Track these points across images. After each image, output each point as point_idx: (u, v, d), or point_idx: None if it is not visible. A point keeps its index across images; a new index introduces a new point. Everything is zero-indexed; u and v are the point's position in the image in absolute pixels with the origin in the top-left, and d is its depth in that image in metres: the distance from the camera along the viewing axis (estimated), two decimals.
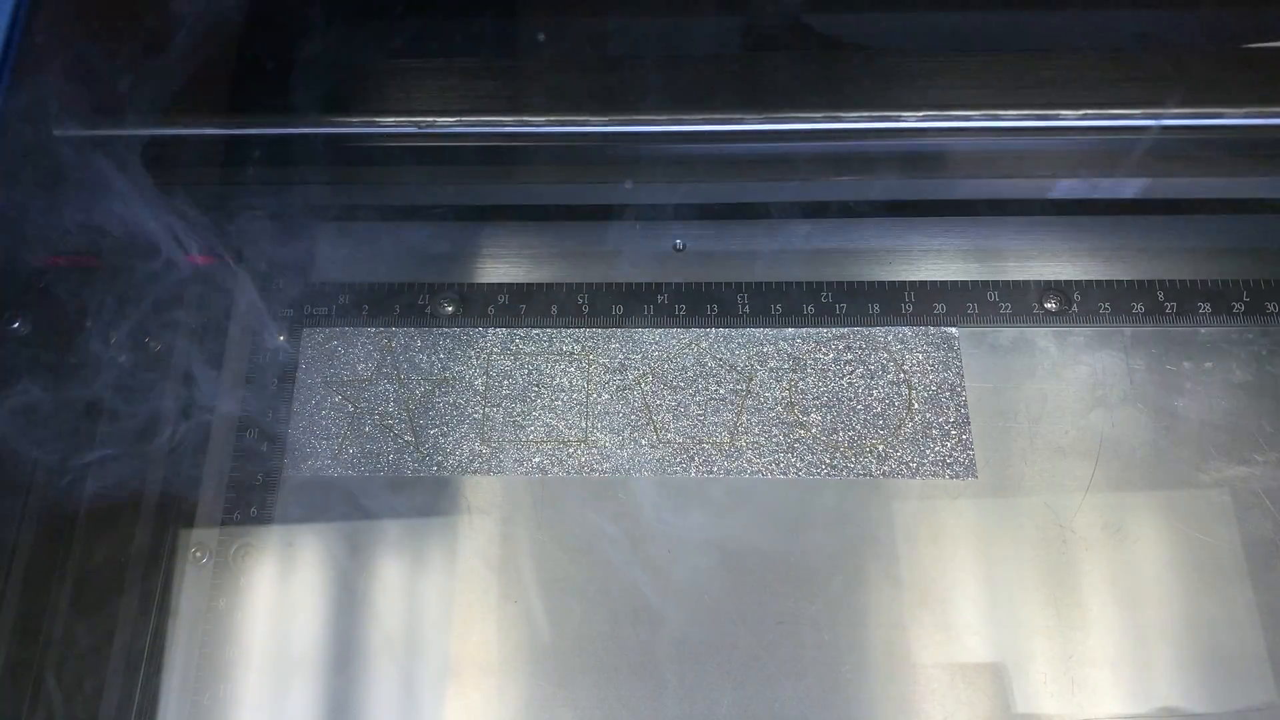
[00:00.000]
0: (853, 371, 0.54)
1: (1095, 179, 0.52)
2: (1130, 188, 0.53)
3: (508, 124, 0.50)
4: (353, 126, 0.52)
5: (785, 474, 0.52)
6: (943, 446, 0.52)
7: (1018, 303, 0.55)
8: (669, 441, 0.53)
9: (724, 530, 0.51)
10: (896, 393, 0.53)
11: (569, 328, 0.56)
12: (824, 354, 0.55)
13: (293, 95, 0.51)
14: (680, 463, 0.52)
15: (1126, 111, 0.49)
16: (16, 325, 0.48)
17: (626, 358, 0.55)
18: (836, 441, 0.52)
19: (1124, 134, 0.50)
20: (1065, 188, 0.52)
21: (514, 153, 0.52)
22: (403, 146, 0.52)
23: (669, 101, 0.49)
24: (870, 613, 0.49)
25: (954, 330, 0.55)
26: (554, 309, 0.56)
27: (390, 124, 0.52)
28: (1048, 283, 0.55)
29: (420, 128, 0.51)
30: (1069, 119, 0.48)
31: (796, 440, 0.53)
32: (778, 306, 0.55)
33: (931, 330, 0.55)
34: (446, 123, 0.50)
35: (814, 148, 0.52)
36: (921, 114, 0.49)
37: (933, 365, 0.54)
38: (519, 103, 0.49)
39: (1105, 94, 0.50)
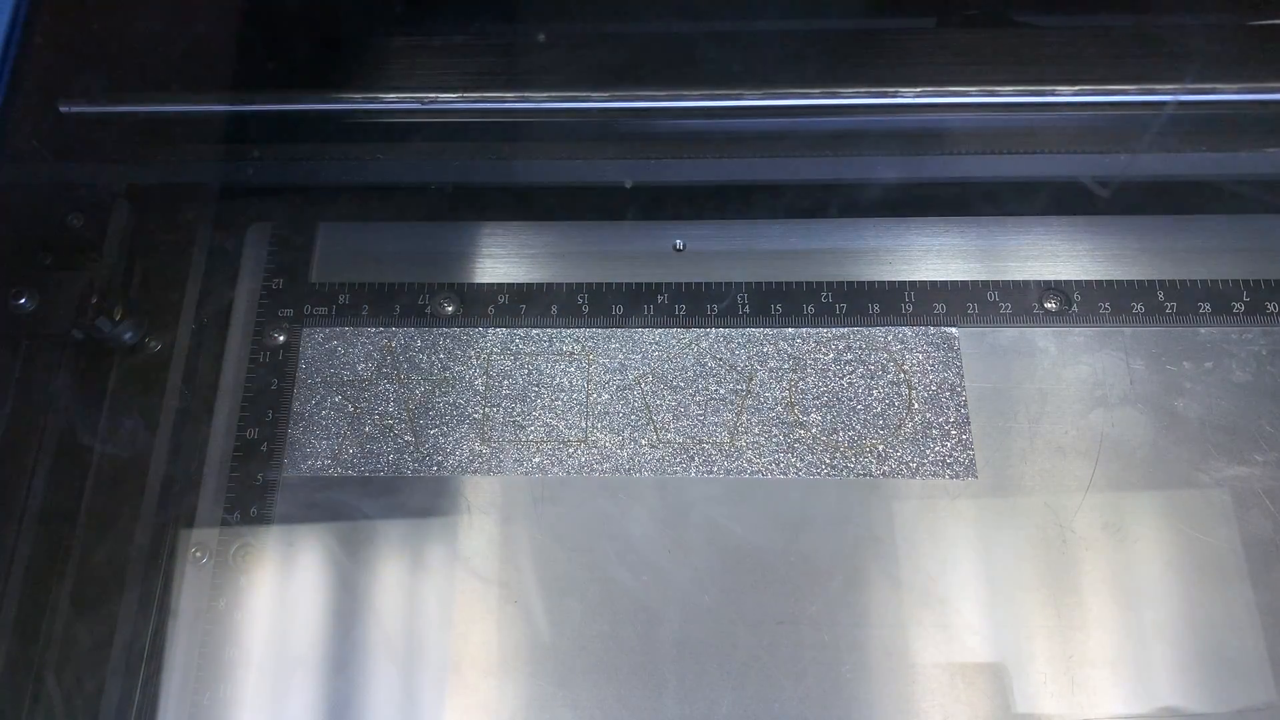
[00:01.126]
0: (853, 371, 0.54)
1: (1095, 155, 0.52)
2: (1130, 165, 0.53)
3: (509, 100, 0.49)
4: (354, 103, 0.52)
5: (785, 474, 0.52)
6: (943, 446, 0.52)
7: (1018, 303, 0.55)
8: (669, 441, 0.53)
9: (724, 530, 0.51)
10: (896, 393, 0.53)
11: (569, 328, 0.56)
12: (824, 354, 0.55)
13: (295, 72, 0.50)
14: (680, 463, 0.52)
15: (1125, 88, 0.49)
16: (24, 301, 0.47)
17: (626, 358, 0.55)
18: (836, 441, 0.52)
19: (1124, 110, 0.50)
20: (1063, 163, 0.52)
21: (515, 130, 0.52)
22: (405, 124, 0.52)
23: (671, 78, 0.49)
24: (870, 613, 0.49)
25: (954, 330, 0.55)
26: (554, 309, 0.56)
27: (393, 100, 0.51)
28: (1048, 283, 0.55)
29: (424, 104, 0.50)
30: (1065, 95, 0.48)
31: (796, 440, 0.53)
32: (778, 306, 0.55)
33: (931, 330, 0.55)
34: (449, 99, 0.49)
35: (812, 125, 0.51)
36: (918, 90, 0.48)
37: (933, 365, 0.54)
38: (521, 79, 0.49)
39: (1104, 70, 0.49)
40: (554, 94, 0.45)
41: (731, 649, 0.49)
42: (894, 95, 0.45)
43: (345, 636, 0.49)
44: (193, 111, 0.46)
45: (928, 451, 0.52)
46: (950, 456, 0.52)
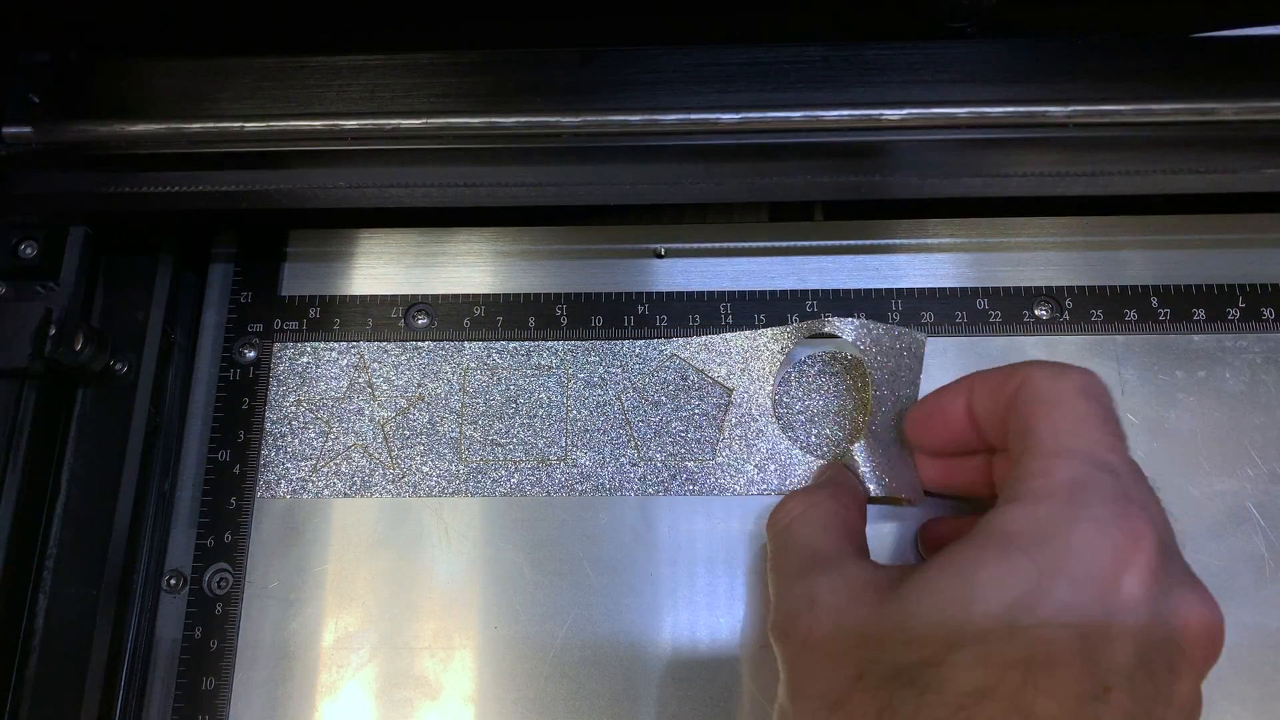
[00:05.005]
0: (837, 384, 0.53)
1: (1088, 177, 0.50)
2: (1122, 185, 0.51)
3: (475, 126, 0.47)
4: (313, 129, 0.50)
5: (770, 492, 0.51)
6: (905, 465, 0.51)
7: (1008, 310, 0.53)
8: (650, 459, 0.52)
9: (710, 549, 0.50)
10: (882, 407, 0.52)
11: (547, 340, 0.54)
12: (809, 365, 0.53)
13: None
14: (662, 481, 0.51)
15: (1120, 108, 0.47)
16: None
17: (606, 371, 0.54)
18: (821, 458, 0.51)
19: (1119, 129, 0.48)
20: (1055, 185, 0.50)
21: (485, 154, 0.50)
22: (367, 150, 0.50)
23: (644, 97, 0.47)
24: None
25: (922, 336, 0.53)
26: (531, 321, 0.54)
27: (353, 125, 0.49)
28: (1038, 289, 0.54)
29: (385, 130, 0.48)
30: (1058, 115, 0.46)
31: (781, 456, 0.51)
32: (761, 316, 0.54)
33: (899, 331, 0.53)
34: (412, 126, 0.47)
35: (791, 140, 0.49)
36: (904, 112, 0.46)
37: (903, 374, 0.53)
38: (488, 99, 0.47)
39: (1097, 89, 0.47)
40: (522, 118, 0.43)
41: (715, 673, 0.48)
42: (876, 116, 0.43)
43: (320, 663, 0.49)
44: (147, 133, 0.44)
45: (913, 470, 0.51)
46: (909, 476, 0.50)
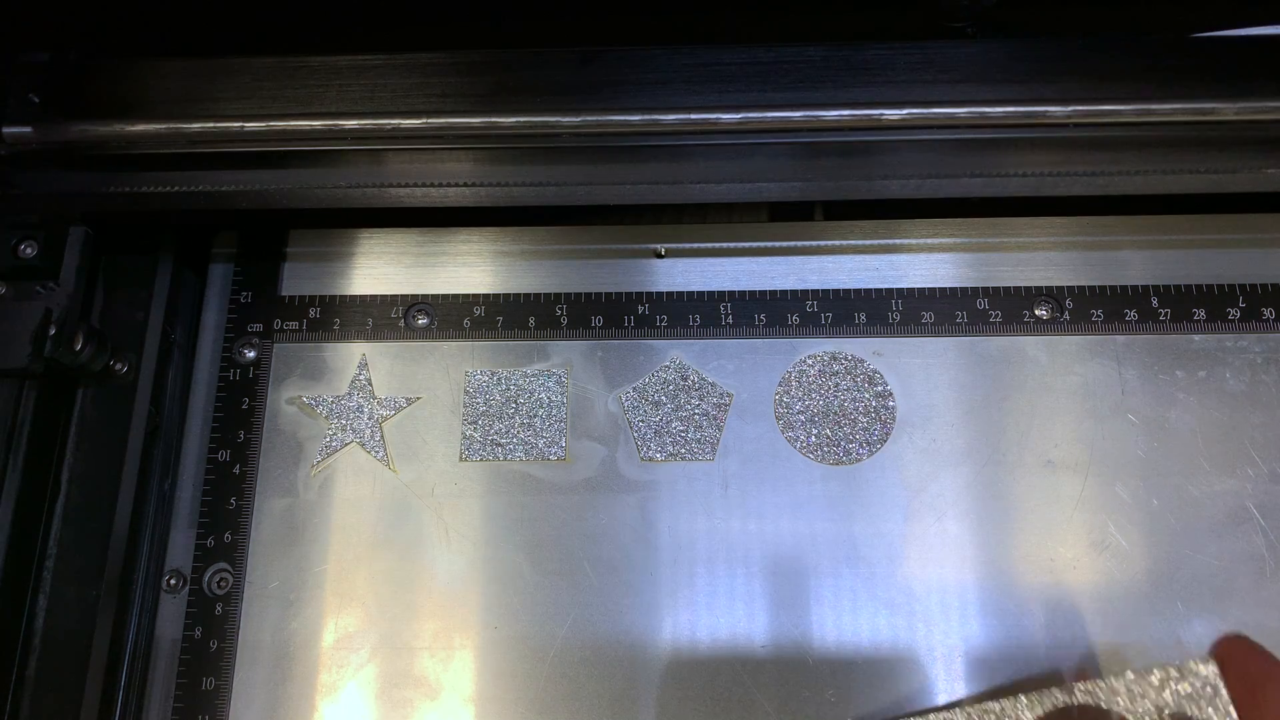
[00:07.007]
0: (838, 384, 0.53)
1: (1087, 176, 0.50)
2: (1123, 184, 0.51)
3: (475, 126, 0.47)
4: (312, 129, 0.50)
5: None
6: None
7: (1008, 310, 0.53)
8: (651, 459, 0.52)
9: (710, 549, 0.50)
10: (883, 405, 0.52)
11: (547, 340, 0.54)
12: (809, 365, 0.53)
13: None
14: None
15: (1120, 108, 0.47)
16: None
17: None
18: (823, 458, 0.51)
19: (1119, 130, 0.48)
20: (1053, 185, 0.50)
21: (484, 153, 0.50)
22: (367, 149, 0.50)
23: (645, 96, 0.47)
24: (854, 635, 0.48)
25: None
26: (531, 321, 0.54)
27: (353, 125, 0.49)
28: (1039, 289, 0.54)
29: (385, 130, 0.48)
30: (1058, 115, 0.46)
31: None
32: (761, 316, 0.54)
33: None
34: (412, 126, 0.47)
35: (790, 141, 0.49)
36: (904, 112, 0.46)
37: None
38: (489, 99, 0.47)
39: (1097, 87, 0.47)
40: (522, 118, 0.43)
41: (715, 674, 0.48)
42: (877, 115, 0.43)
43: (322, 664, 0.49)
44: (147, 133, 0.44)
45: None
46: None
